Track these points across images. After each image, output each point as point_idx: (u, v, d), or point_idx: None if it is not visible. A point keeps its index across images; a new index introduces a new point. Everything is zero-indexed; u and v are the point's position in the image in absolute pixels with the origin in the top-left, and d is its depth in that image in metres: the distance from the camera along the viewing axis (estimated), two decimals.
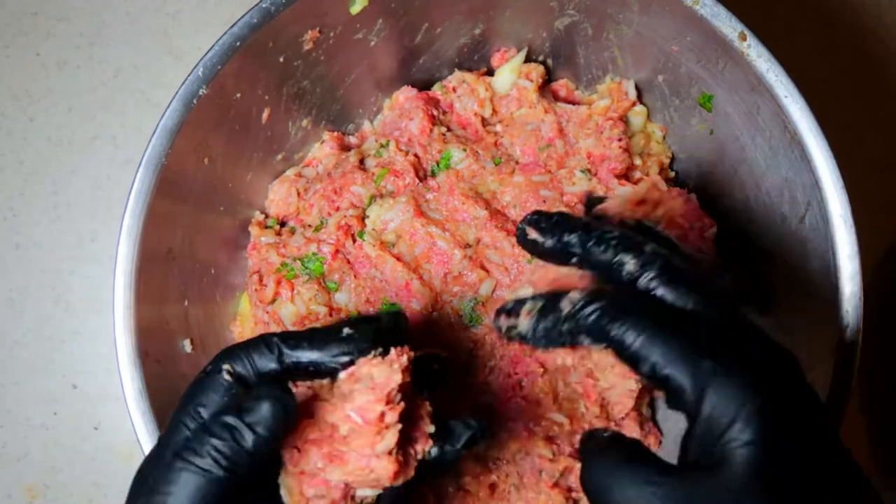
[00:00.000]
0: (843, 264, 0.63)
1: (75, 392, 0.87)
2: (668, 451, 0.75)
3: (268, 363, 0.50)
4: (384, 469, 0.48)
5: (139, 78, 0.92)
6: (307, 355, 0.50)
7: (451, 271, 0.71)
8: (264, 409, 0.46)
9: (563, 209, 0.73)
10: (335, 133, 0.80)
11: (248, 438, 0.46)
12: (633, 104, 0.81)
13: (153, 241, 0.65)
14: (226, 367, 0.50)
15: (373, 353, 0.51)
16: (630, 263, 0.49)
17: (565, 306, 0.48)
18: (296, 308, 0.71)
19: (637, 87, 0.80)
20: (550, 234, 0.52)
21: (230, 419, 0.46)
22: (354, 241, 0.73)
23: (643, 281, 0.49)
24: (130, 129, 0.91)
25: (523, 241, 0.54)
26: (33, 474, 0.86)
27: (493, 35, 0.79)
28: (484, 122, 0.79)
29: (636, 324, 0.46)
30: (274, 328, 0.72)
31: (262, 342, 0.51)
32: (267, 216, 0.78)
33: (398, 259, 0.71)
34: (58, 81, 0.91)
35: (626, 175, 0.77)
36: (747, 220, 0.76)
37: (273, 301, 0.72)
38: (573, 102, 0.82)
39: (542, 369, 0.70)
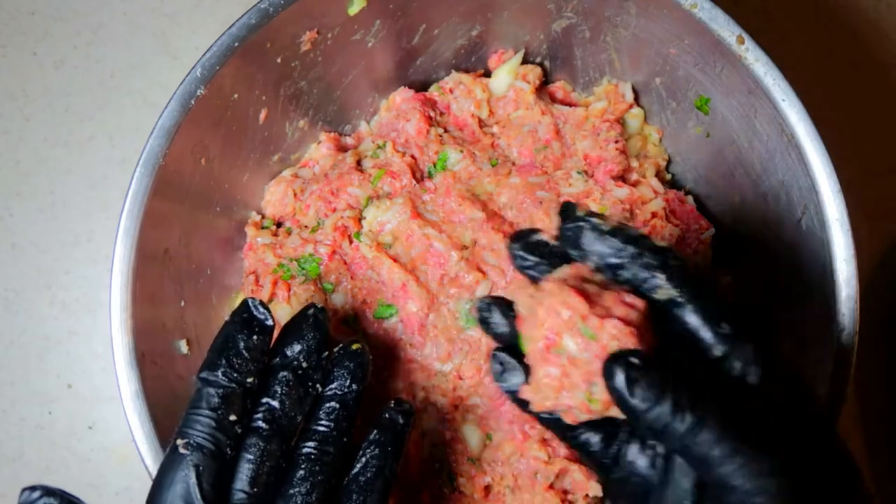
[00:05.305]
0: (839, 268, 0.63)
1: (70, 392, 0.87)
2: None
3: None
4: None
5: (136, 78, 0.92)
6: None
7: (448, 273, 0.71)
8: None
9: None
10: (332, 134, 0.80)
11: None
12: (630, 106, 0.81)
13: (150, 242, 0.65)
14: None
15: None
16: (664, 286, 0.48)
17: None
18: (292, 309, 0.71)
19: (634, 90, 0.80)
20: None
21: None
22: (351, 242, 0.73)
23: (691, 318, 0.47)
24: (127, 129, 0.91)
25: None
26: (28, 475, 0.85)
27: (491, 37, 0.79)
28: (481, 123, 0.79)
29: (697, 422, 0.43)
30: None
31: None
32: (263, 217, 0.78)
33: (395, 260, 0.71)
34: (55, 81, 0.91)
35: (622, 177, 0.77)
36: (743, 223, 0.76)
37: (269, 302, 0.72)
38: (570, 104, 0.82)
39: None
